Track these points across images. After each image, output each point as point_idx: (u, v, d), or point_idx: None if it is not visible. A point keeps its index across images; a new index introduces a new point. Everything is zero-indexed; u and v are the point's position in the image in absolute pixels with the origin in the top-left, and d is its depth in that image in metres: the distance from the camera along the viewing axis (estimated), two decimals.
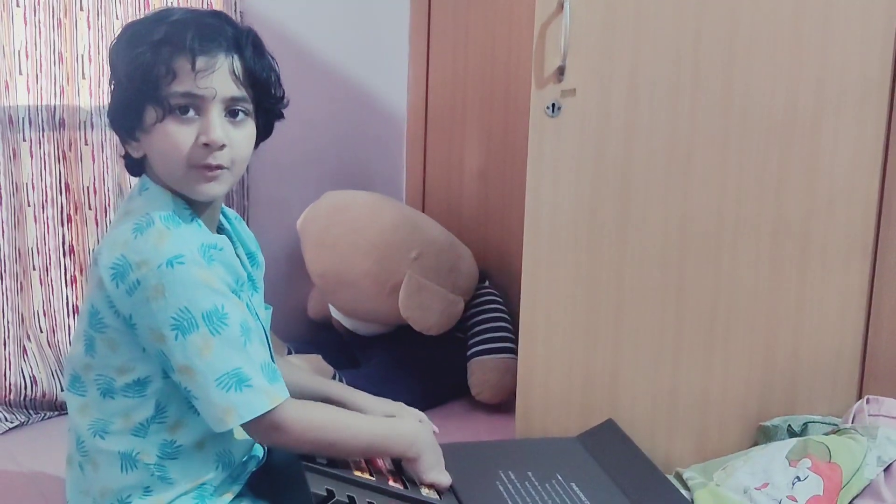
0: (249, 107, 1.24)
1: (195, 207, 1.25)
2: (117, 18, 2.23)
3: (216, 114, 1.20)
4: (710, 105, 1.75)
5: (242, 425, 1.19)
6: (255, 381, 1.17)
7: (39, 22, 2.14)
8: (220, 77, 1.20)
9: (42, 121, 2.19)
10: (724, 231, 1.80)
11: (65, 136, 2.22)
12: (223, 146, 1.20)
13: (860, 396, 1.83)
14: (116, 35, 1.25)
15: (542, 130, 1.74)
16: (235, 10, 2.39)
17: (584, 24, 1.70)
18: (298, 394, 1.33)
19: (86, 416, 1.25)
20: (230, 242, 1.29)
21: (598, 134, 1.76)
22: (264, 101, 1.28)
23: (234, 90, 1.21)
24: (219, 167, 1.21)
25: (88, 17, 2.20)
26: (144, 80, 1.18)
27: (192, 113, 1.19)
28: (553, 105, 1.72)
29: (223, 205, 1.35)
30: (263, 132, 1.32)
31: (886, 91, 1.75)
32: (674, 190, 1.78)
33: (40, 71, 2.17)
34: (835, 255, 1.80)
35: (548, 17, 1.68)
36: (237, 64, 1.22)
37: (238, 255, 1.33)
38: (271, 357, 1.31)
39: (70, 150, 2.24)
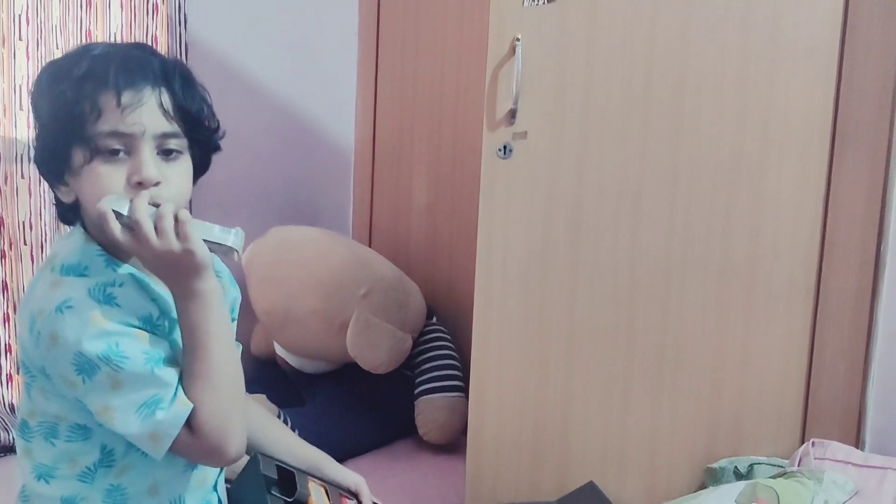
0: (183, 142, 1.18)
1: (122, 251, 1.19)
2: (57, 48, 2.17)
3: (147, 151, 1.13)
4: (659, 148, 1.78)
5: (180, 450, 1.15)
6: (176, 398, 1.13)
7: None
8: (149, 112, 1.13)
9: None
10: (671, 272, 1.81)
11: (0, 169, 2.15)
12: (157, 183, 1.13)
13: (803, 437, 1.86)
14: (37, 74, 1.19)
15: (493, 172, 1.74)
16: (181, 43, 2.35)
17: (535, 68, 1.71)
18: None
19: (31, 459, 1.21)
20: (136, 280, 1.20)
21: (549, 176, 1.77)
22: (198, 135, 1.21)
23: (165, 125, 1.15)
24: (153, 204, 1.13)
25: (28, 47, 2.14)
26: (68, 119, 1.12)
27: (121, 154, 1.13)
28: (505, 147, 1.73)
29: None
30: (201, 166, 1.25)
31: (828, 137, 1.80)
32: (623, 231, 1.80)
33: None
34: (779, 297, 1.83)
35: (500, 60, 1.69)
36: (165, 97, 1.15)
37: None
38: None
39: (6, 183, 2.17)
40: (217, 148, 1.26)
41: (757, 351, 1.85)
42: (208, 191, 2.53)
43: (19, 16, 2.13)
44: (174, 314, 1.21)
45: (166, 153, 1.16)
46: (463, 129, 2.52)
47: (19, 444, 1.24)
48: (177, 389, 1.14)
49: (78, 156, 1.13)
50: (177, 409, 1.13)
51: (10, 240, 2.19)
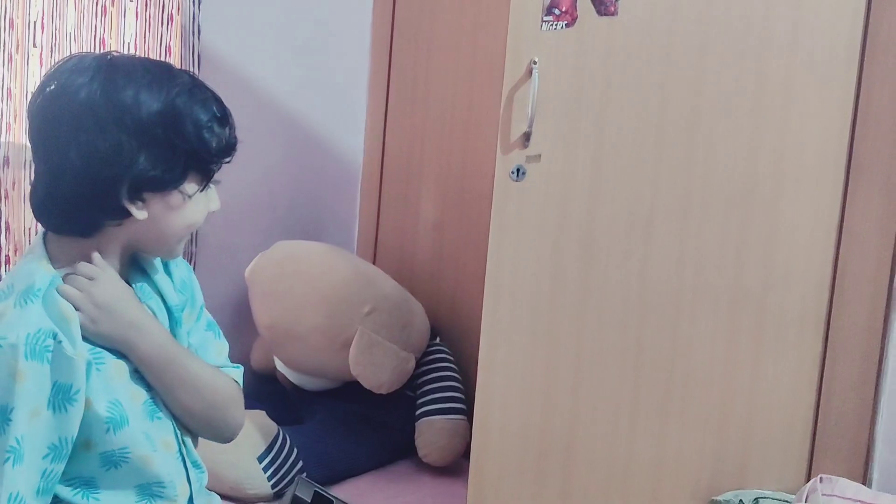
0: None
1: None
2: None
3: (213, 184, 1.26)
4: (672, 174, 1.77)
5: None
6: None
7: None
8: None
9: None
10: (682, 298, 1.80)
11: (9, 174, 2.14)
12: None
13: (810, 472, 1.84)
14: (113, 77, 1.15)
15: (506, 194, 1.73)
16: (194, 52, 2.35)
17: (551, 91, 1.70)
18: None
19: None
20: (68, 337, 1.15)
21: (561, 199, 1.76)
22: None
23: None
24: None
25: (41, 54, 2.14)
26: (202, 147, 1.18)
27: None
28: (518, 169, 1.72)
29: None
30: None
31: (842, 168, 1.79)
32: (634, 256, 1.79)
33: None
34: (789, 328, 1.82)
35: (516, 83, 1.68)
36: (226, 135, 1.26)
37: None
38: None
39: (13, 189, 2.16)
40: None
41: (766, 382, 1.83)
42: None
43: (34, 22, 2.13)
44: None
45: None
46: (473, 148, 2.51)
47: None
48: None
49: (192, 182, 1.20)
50: None
51: (15, 246, 2.19)
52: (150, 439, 1.22)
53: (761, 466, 1.85)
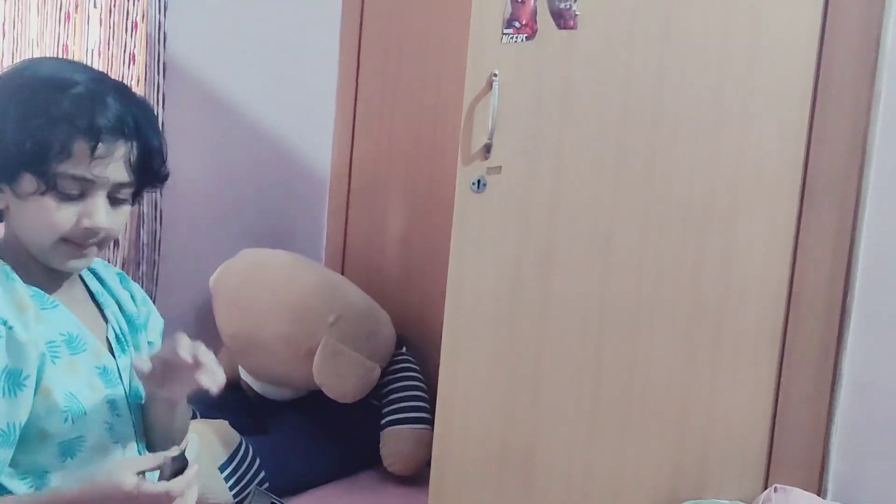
0: (131, 191, 1.23)
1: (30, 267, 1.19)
2: None
3: (101, 198, 1.18)
4: (632, 188, 1.79)
5: None
6: None
7: None
8: (115, 165, 1.18)
9: None
10: (641, 311, 1.82)
11: None
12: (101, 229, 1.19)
13: (766, 482, 1.86)
14: (5, 71, 1.19)
15: (467, 205, 1.74)
16: (160, 61, 2.34)
17: (511, 104, 1.72)
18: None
19: None
20: (23, 324, 1.16)
21: (522, 211, 1.77)
22: (147, 184, 1.26)
23: (125, 177, 1.19)
24: (92, 245, 1.20)
25: (2, 59, 2.13)
26: (34, 150, 1.13)
27: (75, 193, 1.16)
28: (479, 181, 1.73)
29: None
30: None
31: (798, 186, 1.82)
32: (594, 268, 1.80)
33: None
34: (746, 342, 1.85)
35: (476, 95, 1.70)
36: (134, 153, 1.19)
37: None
38: None
39: None
40: (159, 186, 1.30)
41: (723, 394, 1.85)
42: (180, 208, 2.51)
43: None
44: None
45: (114, 201, 1.20)
46: (440, 161, 2.52)
47: None
48: None
49: (29, 182, 1.15)
50: None
51: None
52: (110, 430, 1.22)
53: (719, 476, 1.87)
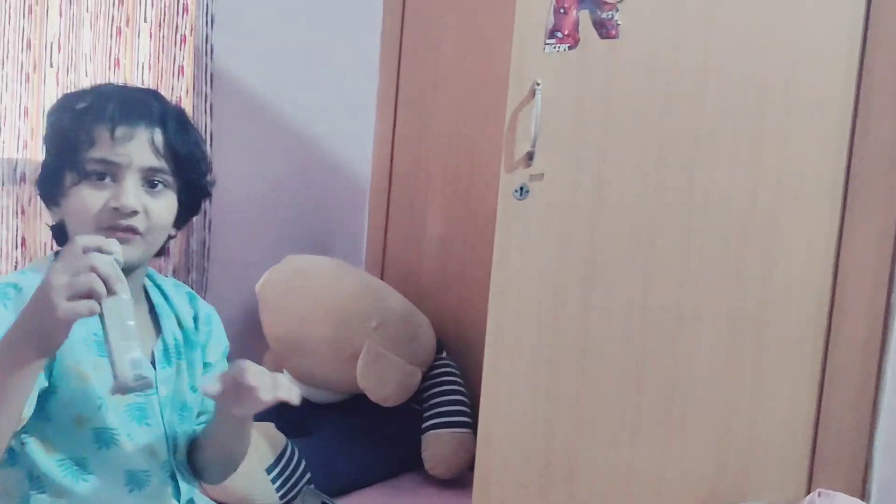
0: (169, 178, 1.24)
1: None
2: (86, 75, 2.22)
3: (131, 182, 1.20)
4: (674, 193, 1.80)
5: None
6: None
7: (7, 75, 2.13)
8: (138, 146, 1.21)
9: (3, 174, 2.16)
10: (683, 316, 1.83)
11: (25, 190, 2.19)
12: (135, 212, 1.20)
13: (809, 486, 1.86)
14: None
15: (509, 212, 1.77)
16: (207, 72, 2.40)
17: (554, 112, 1.74)
18: None
19: None
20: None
21: (564, 217, 1.79)
22: (186, 175, 1.27)
23: (153, 160, 1.22)
24: (129, 229, 1.19)
25: (58, 73, 2.19)
26: (64, 145, 1.21)
27: (107, 179, 1.20)
28: (521, 188, 1.75)
29: (157, 274, 1.34)
30: (190, 208, 1.31)
31: (840, 188, 1.82)
32: (636, 274, 1.82)
33: (4, 124, 2.14)
34: (788, 345, 1.85)
35: (519, 103, 1.72)
36: (158, 136, 1.22)
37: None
38: None
39: (29, 204, 2.21)
40: (207, 193, 1.32)
41: (765, 397, 1.86)
42: (227, 214, 2.57)
43: (51, 43, 2.18)
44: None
45: (151, 185, 1.22)
46: (479, 165, 2.55)
47: None
48: None
49: (68, 178, 1.20)
50: None
51: (30, 259, 2.23)
52: (132, 438, 1.24)
53: (761, 480, 1.87)
